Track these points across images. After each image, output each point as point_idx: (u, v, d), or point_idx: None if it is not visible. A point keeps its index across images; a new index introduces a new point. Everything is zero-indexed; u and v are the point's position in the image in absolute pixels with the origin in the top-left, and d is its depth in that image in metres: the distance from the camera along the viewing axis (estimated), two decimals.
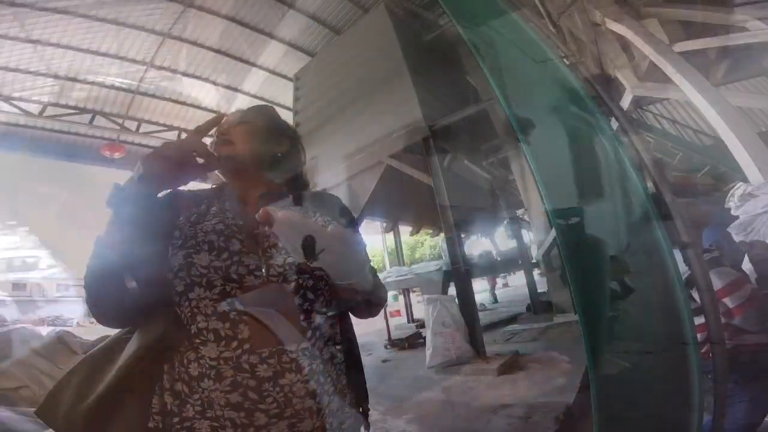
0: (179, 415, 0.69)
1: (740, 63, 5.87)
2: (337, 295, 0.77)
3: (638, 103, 5.94)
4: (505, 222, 8.84)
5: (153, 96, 8.43)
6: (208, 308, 0.69)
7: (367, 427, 0.88)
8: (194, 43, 7.56)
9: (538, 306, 7.03)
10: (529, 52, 1.05)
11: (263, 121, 0.94)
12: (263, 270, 0.73)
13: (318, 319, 0.76)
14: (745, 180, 2.56)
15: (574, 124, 0.96)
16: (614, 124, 1.16)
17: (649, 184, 0.90)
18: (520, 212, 9.93)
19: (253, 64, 8.43)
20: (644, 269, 0.76)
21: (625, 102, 5.42)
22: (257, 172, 0.89)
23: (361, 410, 0.87)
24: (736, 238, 2.20)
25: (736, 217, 2.22)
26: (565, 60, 1.07)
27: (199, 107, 9.04)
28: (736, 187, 2.29)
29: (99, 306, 0.70)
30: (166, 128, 9.08)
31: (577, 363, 3.44)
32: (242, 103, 8.99)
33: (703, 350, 0.74)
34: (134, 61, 7.52)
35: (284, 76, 8.74)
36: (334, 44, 7.41)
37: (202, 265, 0.71)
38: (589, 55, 5.43)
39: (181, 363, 0.71)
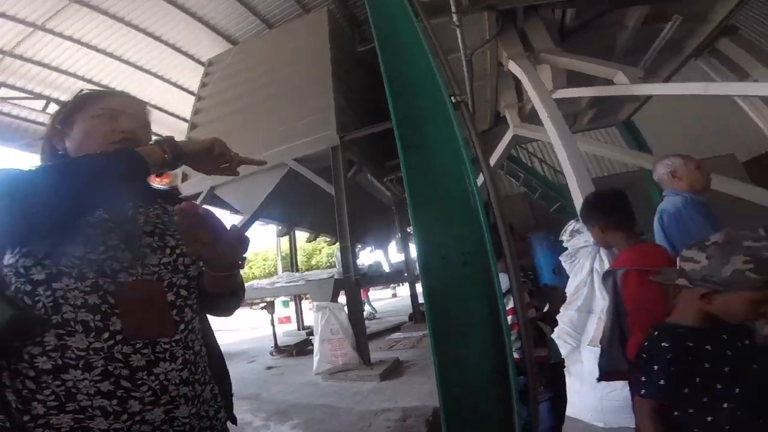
0: (29, 413, 0.63)
1: (603, 113, 6.68)
2: (205, 290, 0.83)
3: (518, 140, 6.53)
4: (398, 236, 9.41)
5: (29, 60, 7.05)
6: (78, 299, 0.67)
7: (234, 420, 0.92)
8: (97, 9, 6.62)
9: (419, 316, 7.64)
10: (426, 83, 1.18)
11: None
12: (139, 268, 0.74)
13: (189, 314, 0.80)
14: (578, 218, 3.12)
15: (446, 159, 1.11)
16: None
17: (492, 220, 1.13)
18: (410, 228, 10.63)
19: (159, 39, 7.62)
20: (479, 283, 0.96)
21: (506, 139, 5.95)
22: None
23: (226, 402, 0.91)
24: (565, 266, 2.74)
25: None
26: (452, 98, 1.23)
27: (75, 75, 7.75)
28: (569, 224, 2.80)
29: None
30: (32, 96, 7.61)
31: None
32: (136, 78, 8.01)
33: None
34: (24, 21, 6.31)
35: (193, 57, 8.09)
36: (263, 37, 7.09)
37: (75, 256, 0.69)
38: (489, 92, 5.95)
39: (20, 359, 0.65)
